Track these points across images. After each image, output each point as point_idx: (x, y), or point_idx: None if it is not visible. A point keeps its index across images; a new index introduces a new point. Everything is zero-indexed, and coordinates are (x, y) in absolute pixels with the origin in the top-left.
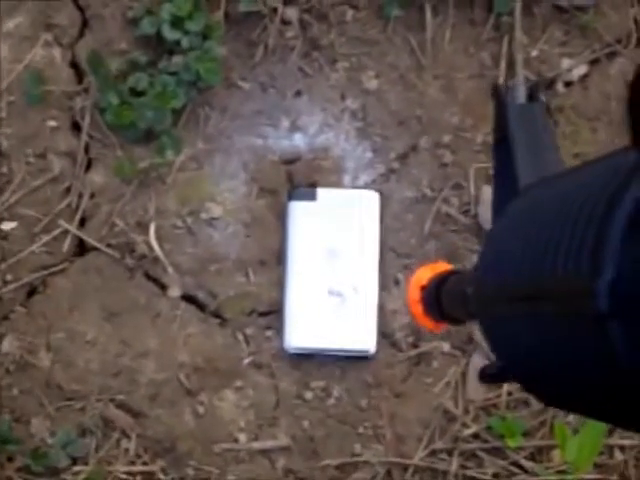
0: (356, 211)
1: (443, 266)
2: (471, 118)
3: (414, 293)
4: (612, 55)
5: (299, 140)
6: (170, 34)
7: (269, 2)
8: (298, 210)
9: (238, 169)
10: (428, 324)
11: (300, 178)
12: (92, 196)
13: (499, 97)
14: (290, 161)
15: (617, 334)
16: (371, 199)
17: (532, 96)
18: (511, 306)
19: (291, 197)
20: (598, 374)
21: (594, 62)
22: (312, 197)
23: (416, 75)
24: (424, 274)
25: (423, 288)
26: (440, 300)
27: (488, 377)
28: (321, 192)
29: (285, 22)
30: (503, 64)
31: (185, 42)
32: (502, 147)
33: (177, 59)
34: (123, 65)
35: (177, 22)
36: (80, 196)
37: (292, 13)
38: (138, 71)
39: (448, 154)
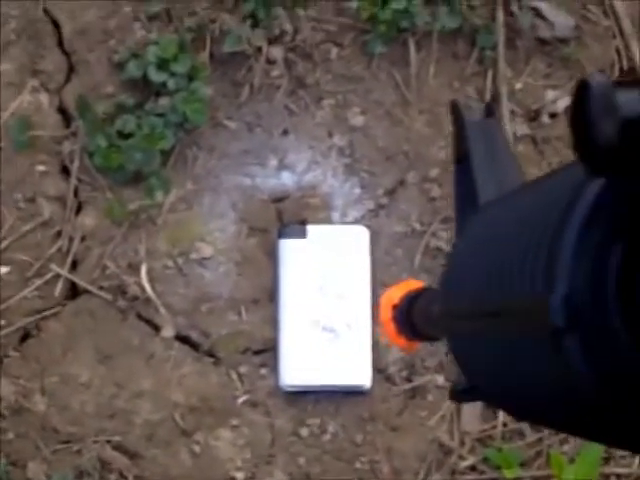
0: (346, 247)
1: (414, 284)
2: None
3: (386, 312)
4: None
5: (287, 178)
6: (156, 76)
7: (254, 42)
8: (289, 248)
9: (227, 208)
10: (401, 343)
11: (289, 216)
12: (83, 239)
13: (457, 114)
14: (279, 199)
15: (573, 349)
16: (361, 234)
17: (489, 112)
18: (472, 323)
19: (281, 235)
20: (558, 389)
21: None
22: (302, 234)
23: (402, 110)
24: (396, 293)
25: (395, 307)
26: (412, 318)
27: (457, 395)
28: (311, 229)
29: (270, 61)
30: (488, 97)
31: (171, 84)
32: (461, 165)
33: (164, 101)
34: (110, 108)
35: (163, 64)
36: (71, 240)
37: (277, 52)
38: (125, 114)
39: (436, 188)
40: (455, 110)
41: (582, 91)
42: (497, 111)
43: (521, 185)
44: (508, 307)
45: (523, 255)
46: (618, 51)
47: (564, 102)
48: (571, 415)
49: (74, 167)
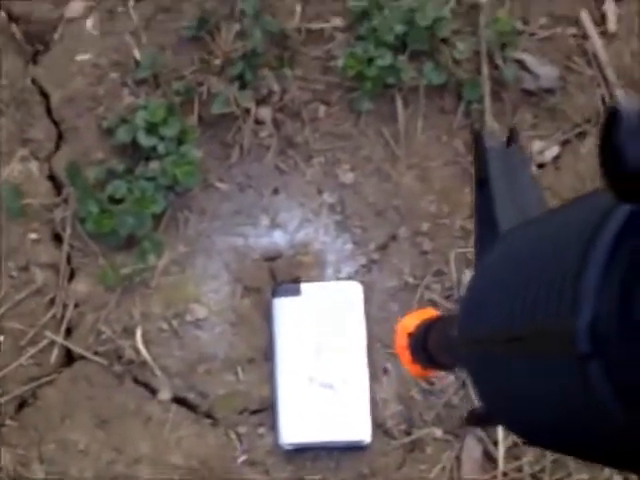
0: (341, 303)
1: (430, 312)
2: (448, 205)
3: (401, 340)
4: (582, 135)
5: (279, 237)
6: (146, 141)
7: (242, 103)
8: (283, 306)
9: (220, 269)
10: (416, 371)
11: (283, 274)
12: (77, 305)
13: (479, 142)
14: (272, 258)
15: (598, 373)
16: (355, 290)
17: (510, 141)
18: (493, 347)
19: (275, 294)
20: (580, 414)
21: (565, 143)
22: (296, 292)
23: (391, 166)
24: (411, 321)
25: (410, 335)
26: (427, 346)
27: (475, 419)
28: (305, 287)
29: (259, 122)
30: None
31: (161, 147)
32: (482, 191)
33: (154, 164)
34: (101, 174)
35: (152, 128)
36: (65, 306)
37: (265, 113)
38: (116, 179)
39: (427, 241)
40: (477, 137)
41: (611, 117)
42: (519, 139)
43: (545, 212)
44: (532, 332)
45: (549, 280)
46: (603, 100)
47: (551, 152)
48: (595, 442)
49: (66, 234)
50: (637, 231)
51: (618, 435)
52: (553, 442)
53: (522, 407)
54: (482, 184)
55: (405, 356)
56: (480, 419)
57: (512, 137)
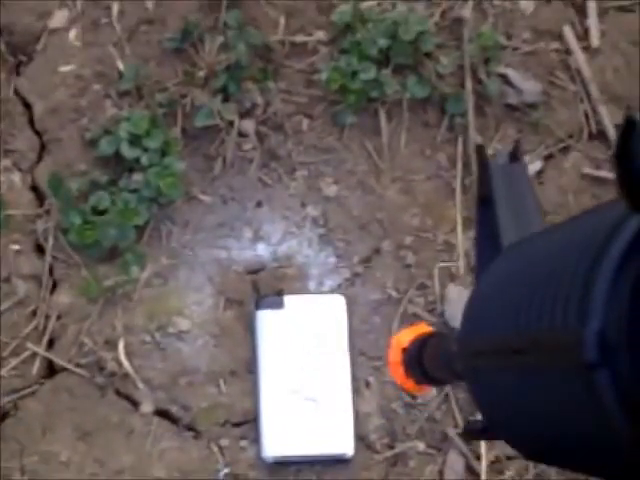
0: (324, 316)
1: (424, 328)
2: (431, 219)
3: (395, 355)
4: (565, 150)
5: (262, 250)
6: (129, 152)
7: (225, 116)
8: (266, 319)
9: (203, 282)
10: (410, 386)
11: (266, 287)
12: (59, 317)
13: (482, 157)
14: (255, 271)
15: (605, 383)
16: (338, 303)
17: (514, 157)
18: (496, 360)
19: (258, 306)
20: (586, 426)
21: (548, 157)
22: (279, 305)
23: (374, 179)
24: (405, 336)
25: (404, 350)
26: (422, 361)
27: (473, 433)
28: (288, 299)
29: (242, 134)
30: (460, 164)
31: (144, 159)
32: (484, 207)
33: (137, 176)
34: (84, 185)
35: (135, 140)
36: (47, 318)
37: (249, 125)
38: (99, 190)
39: (411, 255)
40: (480, 153)
41: (628, 126)
42: (522, 156)
43: (549, 226)
44: (538, 343)
45: (555, 291)
46: (586, 115)
47: (535, 167)
48: (601, 457)
49: (48, 245)
50: None
51: (624, 451)
52: (555, 456)
53: (525, 421)
54: (485, 200)
55: (398, 371)
56: (478, 433)
57: (515, 153)
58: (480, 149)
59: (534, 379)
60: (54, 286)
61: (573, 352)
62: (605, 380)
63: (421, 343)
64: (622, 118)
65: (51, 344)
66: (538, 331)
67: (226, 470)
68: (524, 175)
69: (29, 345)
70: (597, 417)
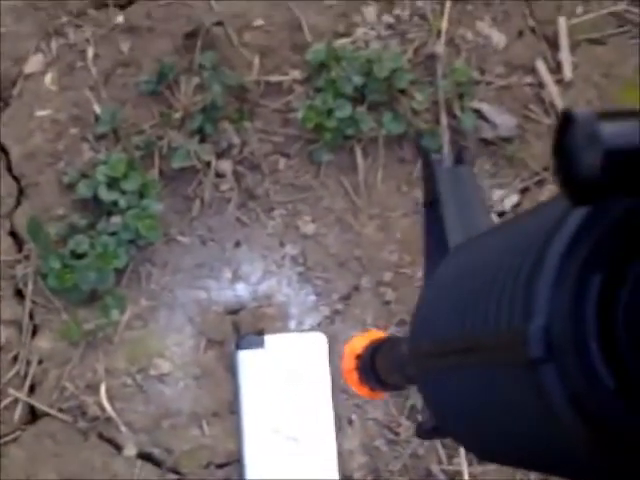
0: (305, 354)
1: (376, 334)
2: (409, 255)
3: (349, 362)
4: (541, 183)
5: (242, 290)
6: (107, 195)
7: (202, 156)
8: (247, 358)
9: (184, 323)
10: (364, 392)
11: (246, 327)
12: (40, 362)
13: (427, 161)
14: (235, 311)
15: (551, 379)
16: (319, 341)
17: (459, 159)
18: (445, 360)
19: (239, 346)
20: (535, 425)
21: (524, 191)
22: (260, 344)
23: (352, 216)
24: (359, 343)
25: (358, 357)
26: (376, 367)
27: (424, 432)
28: (268, 338)
29: (219, 175)
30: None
31: (122, 202)
32: (431, 210)
33: (116, 219)
34: (62, 229)
35: (113, 183)
36: (28, 363)
37: (226, 165)
38: (78, 234)
39: (390, 292)
40: (426, 157)
41: (565, 121)
42: (468, 158)
43: (494, 226)
44: (483, 340)
45: (501, 288)
46: None
47: (511, 200)
48: (553, 455)
49: (28, 290)
50: (590, 237)
51: (574, 446)
52: (508, 456)
53: (475, 420)
54: (431, 204)
55: (353, 378)
56: (430, 432)
57: (460, 156)
58: (425, 153)
59: (482, 380)
60: (35, 331)
61: (518, 349)
62: (551, 375)
63: (374, 349)
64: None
65: (32, 389)
66: (484, 330)
67: None
68: (471, 177)
69: (11, 391)
70: (545, 414)
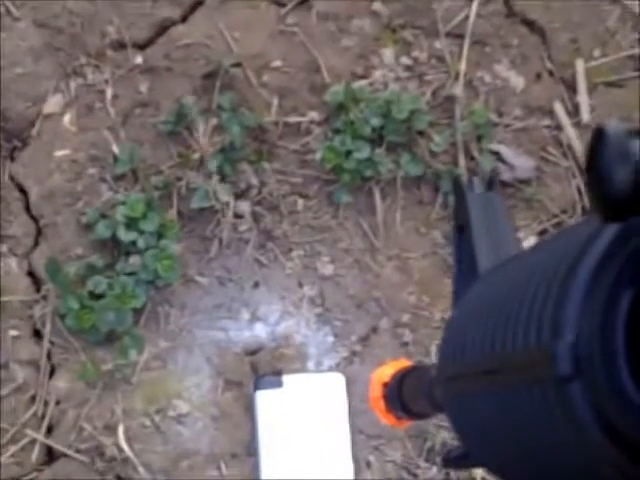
0: (323, 394)
1: (403, 362)
2: (428, 296)
3: (376, 390)
4: (559, 225)
5: (260, 330)
6: (126, 236)
7: (221, 197)
8: (265, 399)
9: (202, 364)
10: (390, 420)
11: (264, 367)
12: (58, 402)
13: (459, 187)
14: (253, 352)
15: (579, 396)
16: (337, 381)
17: (490, 186)
18: (474, 382)
19: (257, 386)
20: (563, 445)
21: (542, 233)
22: (278, 384)
23: (370, 258)
24: (385, 371)
25: (385, 385)
26: (402, 395)
27: (452, 461)
28: (287, 379)
29: (238, 216)
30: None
31: (141, 242)
32: (462, 235)
33: (134, 259)
34: (81, 270)
35: (132, 223)
36: (46, 404)
37: (244, 206)
38: (96, 274)
39: (408, 333)
40: (456, 183)
41: (598, 138)
42: (497, 185)
43: (525, 250)
44: (512, 359)
45: (530, 309)
46: (579, 190)
47: (529, 242)
48: (580, 474)
49: (46, 330)
50: (622, 253)
51: (602, 464)
52: (532, 475)
53: (503, 444)
54: (462, 229)
55: (379, 406)
56: (458, 460)
57: (491, 183)
58: (457, 180)
59: (510, 400)
60: (52, 371)
61: (547, 367)
62: (579, 393)
63: (401, 377)
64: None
65: (50, 430)
66: (513, 350)
67: None
68: (500, 203)
69: (28, 431)
70: (573, 432)
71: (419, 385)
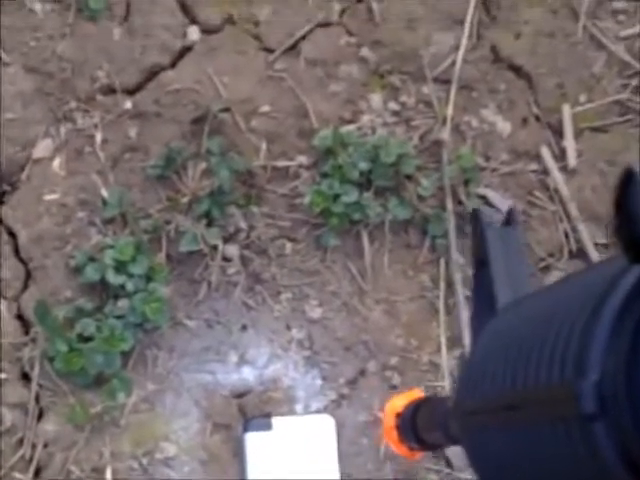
0: (313, 437)
1: (417, 393)
2: (416, 339)
3: (390, 420)
4: (546, 269)
5: (248, 373)
6: (114, 279)
7: (209, 240)
8: (254, 441)
9: (190, 406)
10: (403, 451)
11: (252, 410)
12: (46, 445)
13: (477, 221)
14: (241, 394)
15: (604, 435)
16: (327, 423)
17: (509, 220)
18: (493, 417)
19: (246, 428)
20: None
21: (530, 276)
22: (267, 427)
23: (358, 301)
24: (399, 402)
25: (398, 415)
26: (416, 426)
27: None
28: (276, 421)
29: (226, 259)
30: (442, 285)
31: (130, 285)
32: (480, 270)
33: (123, 302)
34: (69, 313)
35: (120, 266)
36: (34, 446)
37: (232, 250)
38: (85, 317)
39: (396, 376)
40: (475, 217)
41: (627, 178)
42: (518, 219)
43: (547, 285)
44: (535, 396)
45: (553, 347)
46: (566, 234)
47: None
48: None
49: (35, 373)
50: None
51: None
52: None
53: (521, 478)
54: (481, 263)
55: (393, 437)
56: None
57: (511, 217)
58: (476, 213)
59: (532, 437)
60: (40, 414)
61: (571, 405)
62: (604, 432)
63: (415, 408)
64: (604, 227)
65: (38, 473)
66: (535, 386)
67: None
68: (518, 238)
69: (16, 475)
70: (597, 471)
71: (433, 417)
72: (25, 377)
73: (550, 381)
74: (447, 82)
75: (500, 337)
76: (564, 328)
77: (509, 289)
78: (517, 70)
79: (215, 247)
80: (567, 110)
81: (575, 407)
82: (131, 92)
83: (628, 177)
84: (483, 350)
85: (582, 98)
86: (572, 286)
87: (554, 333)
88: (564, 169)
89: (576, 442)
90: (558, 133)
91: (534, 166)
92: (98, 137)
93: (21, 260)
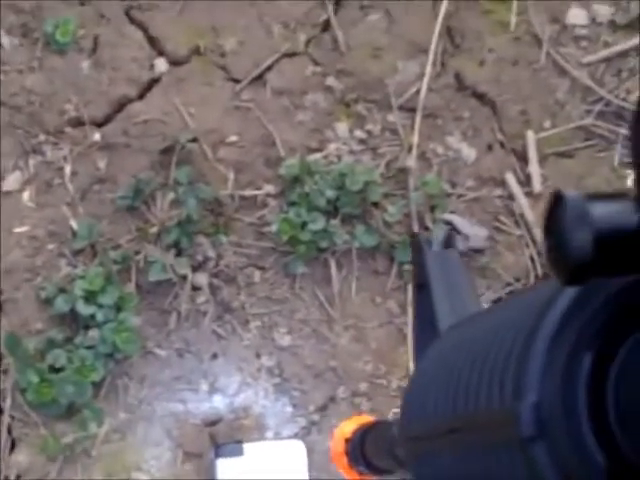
0: (284, 461)
1: (366, 418)
2: (384, 365)
3: (338, 446)
4: (512, 293)
5: (219, 401)
6: (84, 309)
7: (178, 270)
8: (226, 467)
9: (161, 436)
10: (353, 476)
11: (223, 438)
12: (18, 477)
13: (417, 245)
14: (212, 423)
15: (543, 457)
16: (298, 448)
17: (448, 244)
18: (437, 441)
19: (218, 454)
20: None
21: (497, 301)
22: (239, 452)
23: (327, 328)
24: (348, 427)
25: (347, 440)
26: (365, 451)
27: None
28: (247, 446)
29: (195, 288)
30: (410, 311)
31: (100, 315)
32: (421, 292)
33: (93, 333)
34: (40, 344)
35: (90, 297)
36: (6, 479)
37: (201, 279)
38: (56, 348)
39: (365, 402)
40: (415, 241)
41: (556, 202)
42: (455, 243)
43: (486, 308)
44: (475, 420)
45: (491, 368)
46: (532, 259)
47: None
48: None
49: (6, 404)
50: (581, 316)
51: None
52: None
53: None
54: (421, 287)
55: (342, 462)
56: None
57: (448, 241)
58: (415, 237)
59: (474, 460)
60: (13, 446)
61: (510, 427)
62: (543, 454)
63: (363, 433)
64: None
65: None
66: (475, 410)
67: None
68: (458, 260)
69: None
70: None
71: (381, 442)
72: None
73: (490, 404)
74: (412, 110)
75: (441, 360)
76: (502, 350)
77: (450, 311)
78: (481, 97)
79: (184, 276)
80: (531, 136)
81: (515, 430)
82: (99, 124)
83: (556, 201)
84: (425, 374)
85: (546, 124)
86: (511, 308)
87: (493, 355)
88: (529, 194)
89: (518, 464)
90: (523, 159)
91: (499, 192)
92: (67, 169)
93: None
